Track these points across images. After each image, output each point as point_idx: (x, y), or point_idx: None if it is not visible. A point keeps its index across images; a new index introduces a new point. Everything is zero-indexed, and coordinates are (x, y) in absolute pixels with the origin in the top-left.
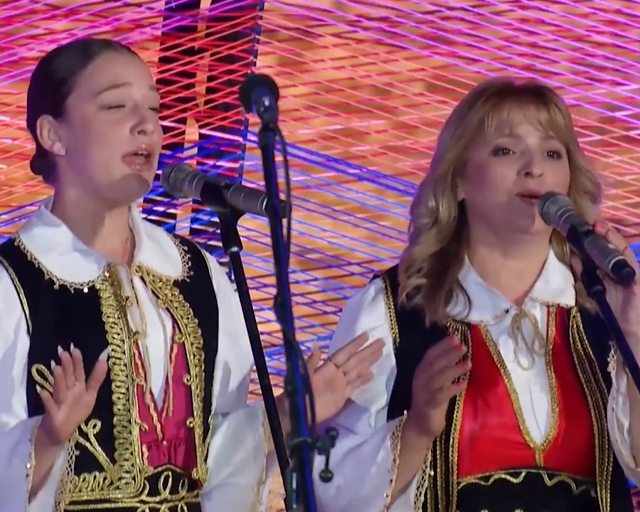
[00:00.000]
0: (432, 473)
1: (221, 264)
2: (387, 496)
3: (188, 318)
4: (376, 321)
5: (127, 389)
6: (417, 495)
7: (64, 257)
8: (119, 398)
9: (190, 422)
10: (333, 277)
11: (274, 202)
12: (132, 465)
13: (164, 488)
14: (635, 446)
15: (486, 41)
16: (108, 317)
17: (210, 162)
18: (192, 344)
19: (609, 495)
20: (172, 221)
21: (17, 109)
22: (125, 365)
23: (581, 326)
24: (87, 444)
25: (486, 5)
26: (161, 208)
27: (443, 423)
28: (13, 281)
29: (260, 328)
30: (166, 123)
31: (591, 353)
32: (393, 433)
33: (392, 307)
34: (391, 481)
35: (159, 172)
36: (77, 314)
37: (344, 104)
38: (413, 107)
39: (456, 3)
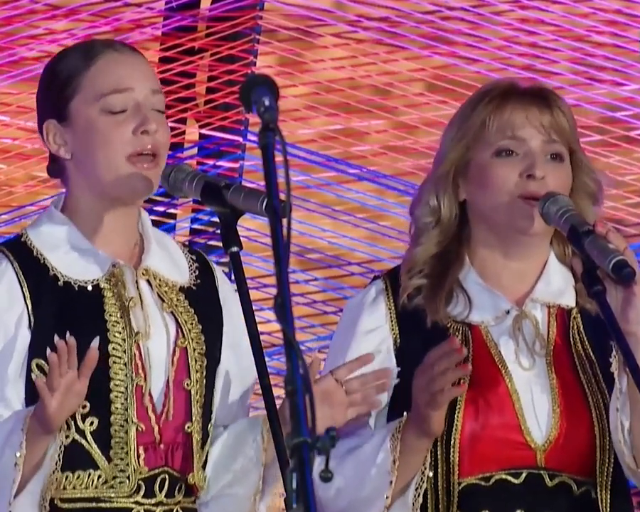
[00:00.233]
0: (431, 474)
1: (221, 264)
2: (387, 497)
3: (192, 324)
4: (377, 322)
5: (126, 388)
6: (415, 496)
7: (70, 255)
8: (117, 397)
9: (188, 427)
10: (333, 277)
11: (274, 202)
12: (127, 464)
13: (160, 491)
14: (635, 446)
15: (486, 41)
16: (110, 316)
17: (210, 162)
18: (194, 349)
19: (609, 495)
20: (172, 221)
21: (17, 109)
22: (125, 364)
23: (581, 326)
24: (83, 441)
25: (486, 5)
26: (161, 208)
27: (443, 425)
28: (17, 275)
29: (260, 328)
30: None
31: (591, 353)
32: (393, 434)
33: (393, 308)
34: (391, 482)
35: None
36: (79, 311)
37: (344, 104)
38: (413, 107)
39: (456, 3)
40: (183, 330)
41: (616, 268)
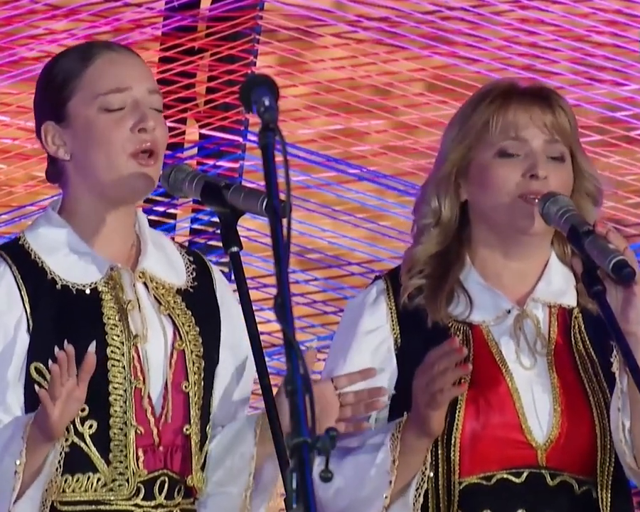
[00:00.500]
0: (432, 474)
1: (221, 264)
2: (385, 497)
3: (189, 326)
4: (378, 322)
5: (125, 391)
6: (416, 496)
7: (68, 258)
8: (116, 400)
9: (187, 429)
10: (333, 277)
11: (274, 202)
12: (126, 467)
13: (159, 493)
14: (636, 446)
15: (486, 41)
16: (109, 319)
17: (210, 162)
18: (192, 352)
19: (609, 495)
20: (172, 221)
21: (17, 109)
22: (123, 367)
23: (583, 326)
24: (83, 445)
25: (486, 5)
26: (161, 208)
27: (442, 425)
28: (15, 278)
29: (260, 328)
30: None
31: (592, 353)
32: (393, 434)
33: (394, 308)
34: (390, 482)
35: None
36: (77, 315)
37: (344, 104)
38: (413, 107)
39: (456, 3)
40: (181, 332)
41: (616, 268)
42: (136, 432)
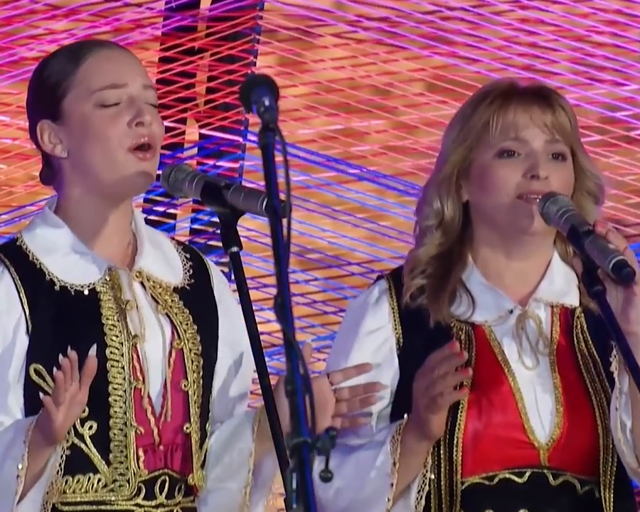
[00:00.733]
0: (433, 476)
1: (221, 264)
2: (388, 499)
3: (187, 325)
4: (380, 322)
5: (124, 392)
6: (417, 498)
7: (65, 259)
8: (115, 400)
9: (187, 428)
10: (333, 277)
11: (274, 202)
12: (127, 468)
13: (160, 493)
14: (637, 446)
15: (486, 41)
16: (107, 319)
17: (210, 162)
18: (190, 350)
19: (612, 495)
20: (172, 221)
21: (17, 109)
22: (123, 367)
23: (585, 326)
24: (83, 445)
25: (486, 5)
26: (161, 208)
27: (443, 428)
28: (14, 280)
29: (260, 328)
30: (166, 123)
31: (595, 353)
32: (393, 436)
33: (396, 308)
34: (392, 484)
35: (159, 172)
36: (76, 316)
37: (344, 104)
38: (413, 107)
39: (456, 3)
40: (179, 331)
41: (616, 268)
42: (136, 432)
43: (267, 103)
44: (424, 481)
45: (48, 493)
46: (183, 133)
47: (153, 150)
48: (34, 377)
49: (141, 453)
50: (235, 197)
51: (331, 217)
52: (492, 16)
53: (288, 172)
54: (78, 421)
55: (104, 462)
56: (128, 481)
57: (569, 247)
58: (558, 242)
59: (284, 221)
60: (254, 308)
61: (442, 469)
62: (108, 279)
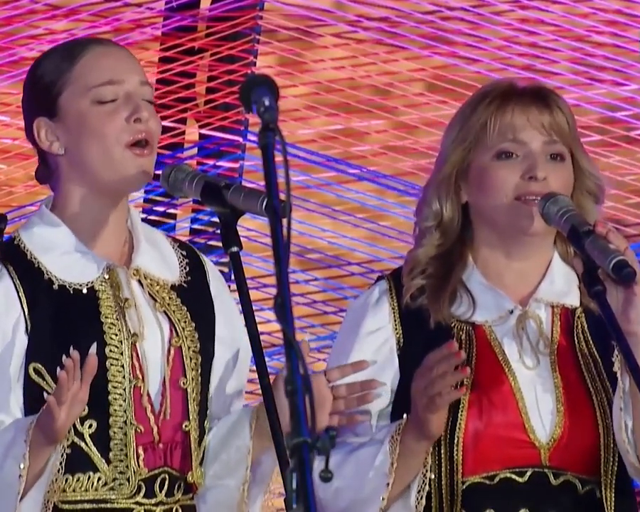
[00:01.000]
0: (434, 476)
1: (221, 264)
2: (382, 498)
3: (185, 322)
4: (380, 322)
5: (124, 390)
6: (417, 499)
7: (63, 258)
8: (115, 399)
9: (186, 426)
10: (333, 277)
11: (274, 202)
12: (127, 466)
13: (160, 491)
14: (639, 446)
15: (486, 41)
16: (106, 318)
17: (210, 162)
18: (189, 348)
19: (613, 494)
20: (172, 221)
21: (17, 109)
22: (122, 366)
23: (585, 326)
24: (82, 444)
25: (486, 5)
26: (161, 208)
27: (442, 428)
28: (13, 279)
29: (260, 328)
30: (166, 123)
31: (595, 353)
32: (392, 436)
33: (397, 308)
34: (387, 484)
35: (159, 172)
36: (75, 314)
37: (344, 104)
38: (413, 107)
39: (456, 3)
40: (177, 329)
41: (616, 268)
42: (136, 430)
43: (267, 103)
44: (424, 481)
45: (48, 492)
46: (183, 133)
47: (151, 146)
48: (33, 376)
49: (140, 451)
50: (234, 197)
51: (331, 217)
52: (492, 16)
53: (288, 172)
54: (78, 420)
55: (104, 461)
56: (128, 480)
57: (570, 247)
58: (558, 242)
59: (284, 221)
60: (254, 308)
61: (443, 469)
62: (106, 278)
